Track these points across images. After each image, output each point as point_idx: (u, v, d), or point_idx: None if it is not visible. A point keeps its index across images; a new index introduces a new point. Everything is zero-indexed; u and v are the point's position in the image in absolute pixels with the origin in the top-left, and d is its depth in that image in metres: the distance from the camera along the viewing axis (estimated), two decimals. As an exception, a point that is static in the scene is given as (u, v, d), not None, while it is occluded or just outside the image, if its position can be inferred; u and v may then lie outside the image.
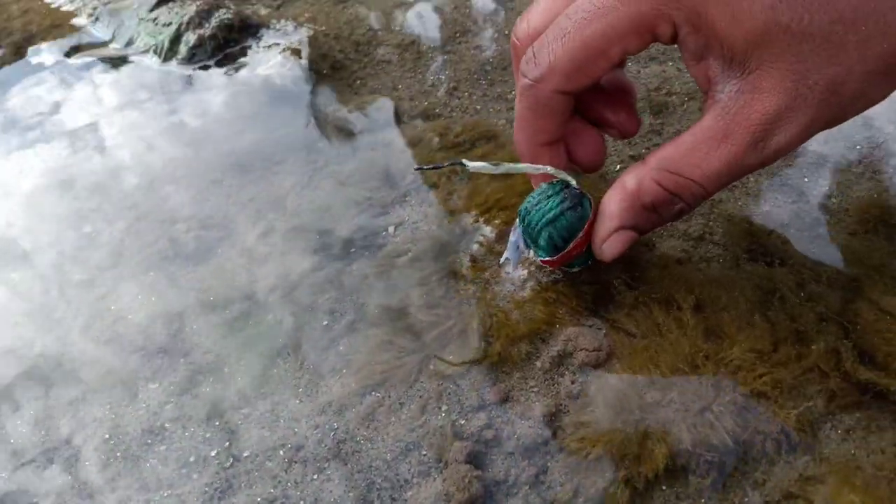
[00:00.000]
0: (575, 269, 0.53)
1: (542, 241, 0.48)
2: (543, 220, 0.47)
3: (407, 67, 0.79)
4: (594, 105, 0.51)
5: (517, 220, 0.50)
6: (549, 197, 0.48)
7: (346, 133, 0.72)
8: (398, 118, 0.73)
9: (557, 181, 0.49)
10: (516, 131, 0.49)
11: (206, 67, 0.80)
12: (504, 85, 0.75)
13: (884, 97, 0.42)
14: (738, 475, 0.43)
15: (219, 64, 0.80)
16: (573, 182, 0.49)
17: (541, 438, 0.46)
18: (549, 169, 0.48)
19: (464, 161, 0.48)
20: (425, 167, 0.56)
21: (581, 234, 0.47)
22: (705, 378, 0.46)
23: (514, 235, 0.51)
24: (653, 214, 0.46)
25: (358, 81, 0.78)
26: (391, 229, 0.60)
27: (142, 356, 0.54)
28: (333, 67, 0.80)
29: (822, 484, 0.42)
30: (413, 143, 0.69)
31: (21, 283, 0.61)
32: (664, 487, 0.43)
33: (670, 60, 0.76)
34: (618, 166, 0.65)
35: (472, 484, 0.43)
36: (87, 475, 0.48)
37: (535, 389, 0.48)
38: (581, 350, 0.48)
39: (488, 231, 0.58)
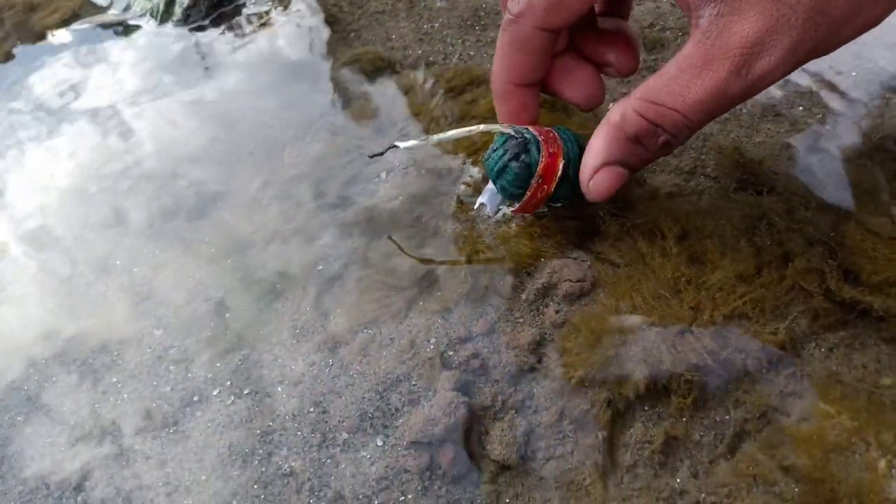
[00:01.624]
0: (559, 205, 0.53)
1: (501, 194, 0.50)
2: (493, 173, 0.49)
3: (400, 17, 0.79)
4: (593, 46, 0.51)
5: (504, 137, 0.51)
6: (494, 151, 0.49)
7: (341, 85, 0.72)
8: (391, 67, 0.73)
9: (502, 134, 0.49)
10: (494, 67, 0.49)
11: (201, 28, 0.81)
12: (497, 30, 0.75)
13: (880, 17, 0.39)
14: (719, 393, 0.44)
15: (213, 24, 0.81)
16: (511, 132, 0.48)
17: (526, 366, 0.47)
18: (482, 127, 0.48)
19: (396, 143, 0.50)
20: (372, 154, 0.56)
21: (536, 180, 0.47)
22: (686, 301, 0.47)
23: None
24: (637, 147, 0.45)
25: (352, 34, 0.79)
26: (383, 175, 0.61)
27: (148, 305, 0.56)
28: (327, 21, 0.80)
29: (801, 398, 0.43)
30: (406, 91, 0.70)
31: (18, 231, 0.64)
32: (646, 407, 0.44)
33: (664, -3, 0.75)
34: (610, 104, 0.65)
35: (458, 409, 0.45)
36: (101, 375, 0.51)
37: (521, 320, 0.49)
38: (565, 281, 0.49)
39: (475, 172, 0.58)
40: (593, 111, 0.57)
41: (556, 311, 0.48)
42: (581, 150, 0.48)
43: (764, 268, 0.48)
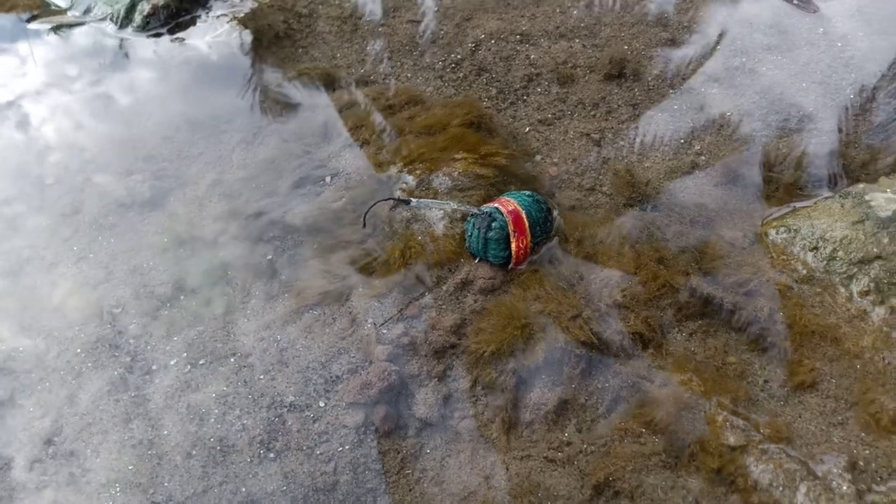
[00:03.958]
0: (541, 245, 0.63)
1: (494, 261, 0.60)
2: (481, 249, 0.60)
3: (345, 38, 0.88)
4: None
5: (472, 217, 0.61)
6: (470, 235, 0.60)
7: (288, 96, 0.80)
8: (336, 84, 0.81)
9: (469, 216, 0.60)
10: None
11: (158, 35, 0.87)
12: (433, 56, 0.85)
13: None
14: (601, 366, 0.54)
15: (171, 32, 0.87)
16: (475, 210, 0.60)
17: (448, 343, 0.56)
18: (453, 204, 0.61)
19: (393, 197, 0.62)
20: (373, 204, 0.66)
21: (513, 235, 0.58)
22: (580, 293, 0.57)
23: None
24: None
25: (300, 50, 0.86)
26: (328, 179, 0.69)
27: (106, 287, 0.62)
28: (277, 37, 0.87)
29: (664, 370, 0.53)
30: (349, 106, 0.78)
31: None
32: (544, 376, 0.54)
33: (577, 38, 0.87)
34: (527, 128, 0.76)
35: (391, 375, 0.53)
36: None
37: (444, 307, 0.58)
38: (480, 278, 0.59)
39: (410, 179, 0.67)
40: (533, 163, 0.68)
41: (475, 301, 0.58)
42: (529, 198, 0.59)
43: (642, 269, 0.59)
